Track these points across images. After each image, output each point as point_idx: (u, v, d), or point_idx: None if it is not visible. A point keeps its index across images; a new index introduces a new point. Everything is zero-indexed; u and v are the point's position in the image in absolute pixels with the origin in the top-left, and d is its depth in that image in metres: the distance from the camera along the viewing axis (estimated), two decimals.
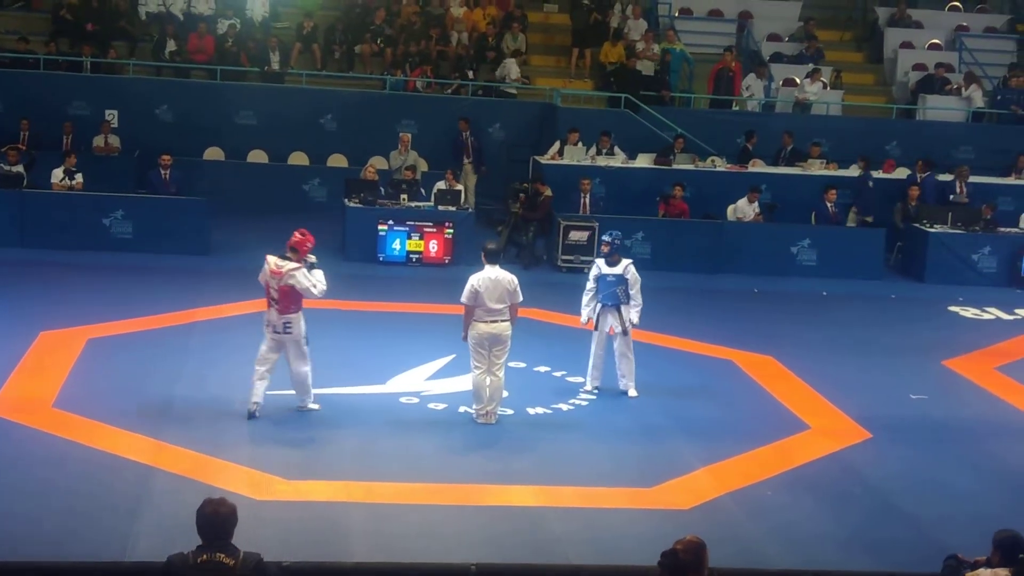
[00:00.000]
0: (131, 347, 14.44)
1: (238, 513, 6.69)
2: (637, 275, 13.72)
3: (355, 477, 11.14)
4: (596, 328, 13.72)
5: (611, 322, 13.65)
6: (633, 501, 11.08)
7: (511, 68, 24.65)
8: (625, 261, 13.74)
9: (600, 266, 13.69)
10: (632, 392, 13.81)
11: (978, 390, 15.06)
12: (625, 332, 13.66)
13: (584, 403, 13.56)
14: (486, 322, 12.53)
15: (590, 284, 13.76)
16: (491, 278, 12.53)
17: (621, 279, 13.60)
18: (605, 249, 13.78)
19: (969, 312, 18.94)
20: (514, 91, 24.70)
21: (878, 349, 16.40)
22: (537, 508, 10.78)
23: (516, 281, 12.68)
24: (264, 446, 11.66)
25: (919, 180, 22.00)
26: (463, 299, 12.59)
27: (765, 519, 10.88)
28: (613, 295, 13.60)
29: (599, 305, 13.68)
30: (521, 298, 12.73)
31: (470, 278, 12.61)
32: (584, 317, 13.82)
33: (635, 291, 13.65)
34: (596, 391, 13.81)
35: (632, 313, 13.66)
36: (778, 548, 10.25)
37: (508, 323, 12.62)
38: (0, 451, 11.21)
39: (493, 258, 12.71)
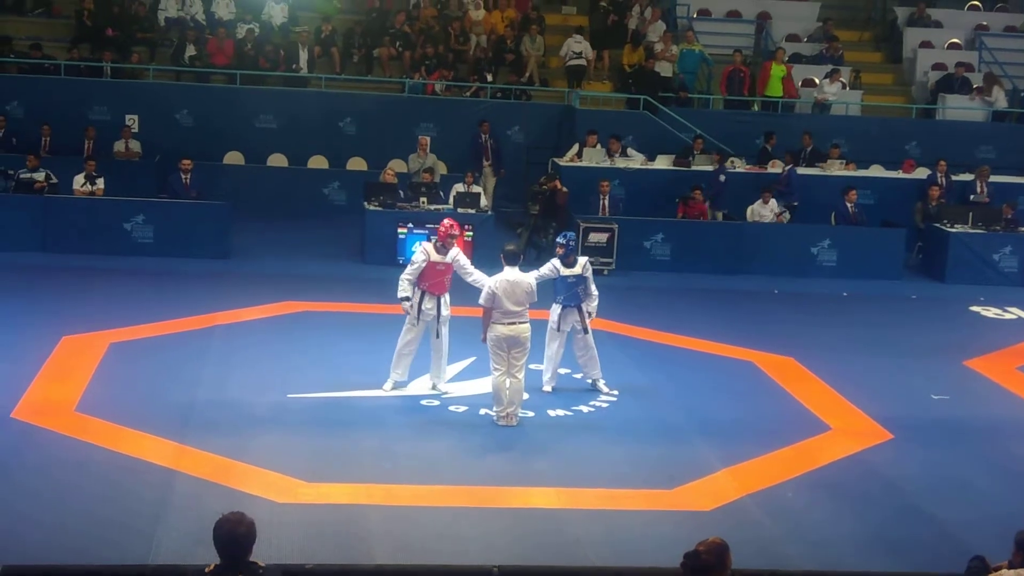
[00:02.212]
0: (153, 351, 14.50)
1: (259, 517, 6.66)
2: (591, 268, 13.79)
3: (376, 479, 11.16)
4: (558, 329, 13.68)
5: (572, 321, 13.65)
6: (654, 503, 11.07)
7: (585, 46, 25.08)
8: (582, 259, 13.80)
9: (558, 267, 13.63)
10: (602, 385, 13.83)
11: (1000, 390, 15.01)
12: (586, 330, 13.66)
13: (604, 405, 13.55)
14: (504, 324, 12.56)
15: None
16: (509, 280, 12.58)
17: (581, 279, 13.63)
18: (560, 251, 13.67)
19: (990, 312, 18.87)
20: (583, 63, 25.03)
21: (899, 349, 16.36)
22: (558, 510, 10.79)
23: (534, 283, 12.74)
24: (285, 449, 11.69)
25: (939, 181, 21.95)
26: (481, 301, 12.63)
27: (786, 520, 10.87)
28: (575, 296, 13.61)
29: (560, 307, 13.66)
30: (535, 299, 12.81)
31: (488, 281, 12.65)
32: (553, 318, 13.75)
33: (591, 283, 13.69)
34: (554, 390, 13.82)
35: (591, 306, 13.69)
36: (800, 549, 10.24)
37: (527, 325, 12.65)
38: (24, 455, 11.28)
39: (512, 260, 12.76)
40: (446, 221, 13.53)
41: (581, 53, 25.11)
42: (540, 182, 20.92)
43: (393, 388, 13.48)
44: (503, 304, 12.51)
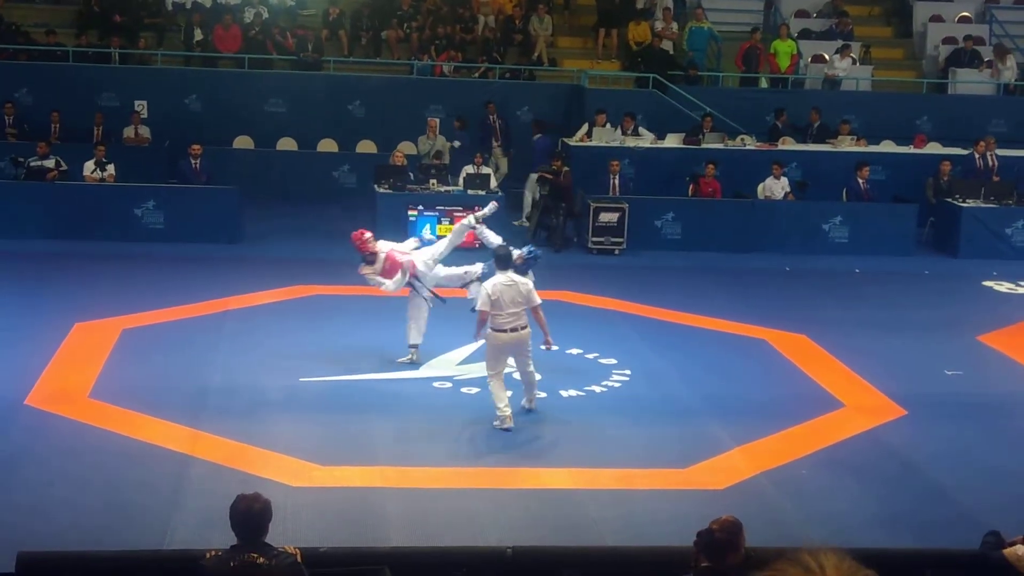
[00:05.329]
0: (165, 337, 14.53)
1: (274, 501, 6.68)
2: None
3: (390, 462, 11.19)
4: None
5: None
6: (668, 482, 11.09)
7: None
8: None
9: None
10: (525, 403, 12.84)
11: (1014, 365, 14.96)
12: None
13: (617, 385, 13.55)
14: (507, 331, 12.04)
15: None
16: (505, 284, 12.11)
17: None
18: (519, 262, 12.97)
19: (1003, 286, 18.79)
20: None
21: (912, 325, 16.30)
22: (572, 490, 10.80)
23: (530, 284, 12.38)
24: (299, 433, 11.72)
25: (979, 164, 21.66)
26: (479, 307, 12.15)
27: (800, 498, 10.87)
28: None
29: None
30: (538, 301, 12.30)
31: (484, 285, 12.35)
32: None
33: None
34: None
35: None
36: (814, 526, 10.23)
37: (528, 330, 12.17)
38: (37, 442, 11.33)
39: (504, 264, 12.30)
40: (354, 235, 13.88)
41: None
42: (552, 162, 20.79)
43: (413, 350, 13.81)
44: (504, 307, 12.01)
